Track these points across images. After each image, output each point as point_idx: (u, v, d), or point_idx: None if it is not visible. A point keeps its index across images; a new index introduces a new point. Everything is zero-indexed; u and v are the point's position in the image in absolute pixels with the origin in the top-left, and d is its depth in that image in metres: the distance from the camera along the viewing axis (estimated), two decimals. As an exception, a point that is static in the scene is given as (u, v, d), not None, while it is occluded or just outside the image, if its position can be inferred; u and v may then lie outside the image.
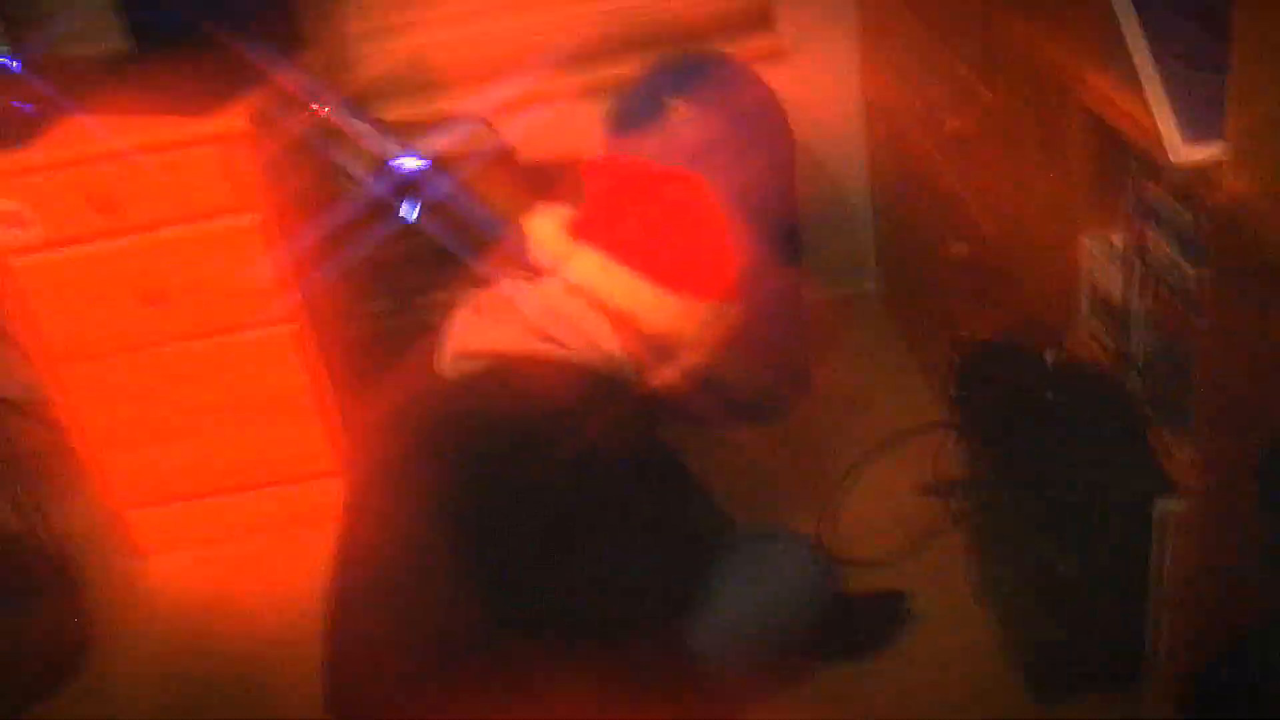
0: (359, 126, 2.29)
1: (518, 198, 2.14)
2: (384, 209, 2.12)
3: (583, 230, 1.44)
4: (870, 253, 2.67)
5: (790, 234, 2.26)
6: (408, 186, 2.17)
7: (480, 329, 1.37)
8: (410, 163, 2.23)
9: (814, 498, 2.08)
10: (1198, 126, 1.09)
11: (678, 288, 1.41)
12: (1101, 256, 1.42)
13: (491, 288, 1.47)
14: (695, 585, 1.43)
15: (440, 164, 2.22)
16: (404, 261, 2.12)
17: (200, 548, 2.14)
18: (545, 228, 1.46)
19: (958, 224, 1.89)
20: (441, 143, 2.28)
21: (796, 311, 2.34)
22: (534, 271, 1.47)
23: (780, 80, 2.17)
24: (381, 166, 2.27)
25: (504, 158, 2.33)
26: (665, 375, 1.46)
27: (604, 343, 1.38)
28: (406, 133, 2.34)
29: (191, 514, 2.14)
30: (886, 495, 2.01)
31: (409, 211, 2.10)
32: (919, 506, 1.89)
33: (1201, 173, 1.10)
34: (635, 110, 2.06)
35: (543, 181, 2.22)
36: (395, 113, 2.38)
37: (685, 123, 2.02)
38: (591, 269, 1.41)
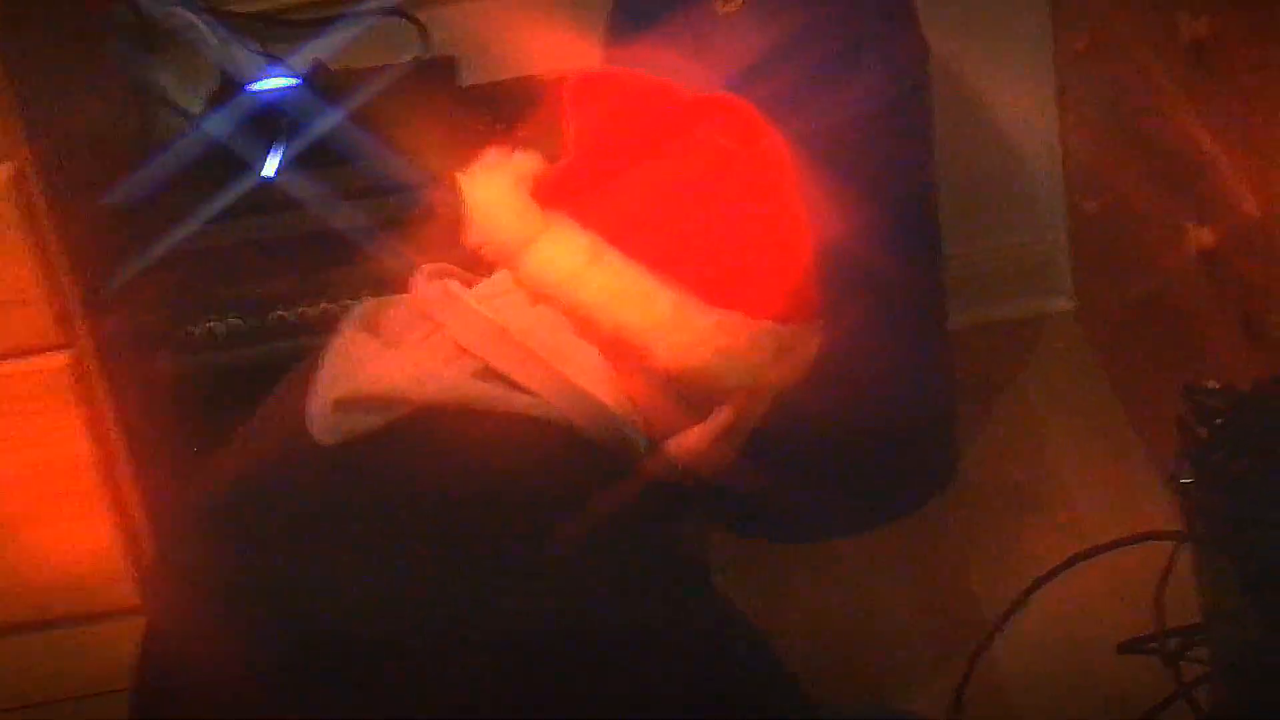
0: (194, 24, 2.32)
1: (456, 142, 2.17)
2: (230, 162, 2.15)
3: (562, 198, 1.44)
4: (1060, 247, 2.68)
5: (923, 217, 2.28)
6: (270, 124, 2.19)
7: (381, 362, 1.37)
8: (276, 84, 2.26)
9: (950, 655, 2.06)
10: None
11: (719, 298, 1.40)
12: None
13: (403, 295, 1.48)
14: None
15: (326, 86, 2.24)
16: (260, 250, 2.13)
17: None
18: (494, 191, 1.46)
19: (1199, 197, 1.89)
20: (330, 51, 2.32)
21: (933, 347, 2.36)
22: (476, 266, 1.48)
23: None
24: (229, 92, 2.30)
25: (435, 75, 2.35)
26: (692, 444, 1.46)
27: (591, 385, 1.38)
28: (274, 34, 2.37)
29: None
30: (1068, 652, 2.00)
31: (270, 165, 2.12)
32: (1122, 672, 1.85)
33: None
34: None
35: (499, 115, 2.25)
36: (259, 1, 2.42)
37: (739, 14, 2.04)
38: (573, 262, 1.41)
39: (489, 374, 1.36)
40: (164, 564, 1.47)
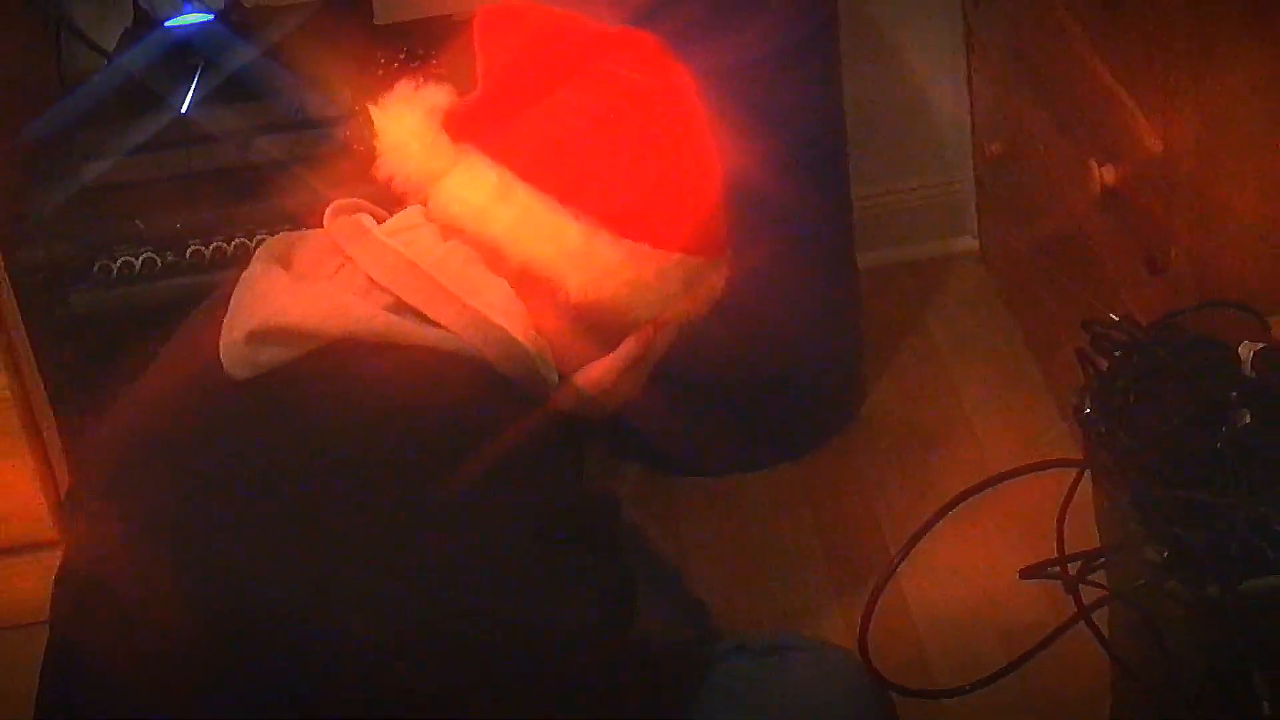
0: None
1: (369, 78, 2.14)
2: (146, 97, 2.12)
3: (471, 130, 1.41)
4: (967, 189, 2.69)
5: (831, 156, 2.27)
6: (185, 60, 2.16)
7: (291, 295, 1.34)
8: (191, 19, 2.22)
9: (855, 584, 2.07)
10: None
11: (628, 229, 1.38)
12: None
13: (314, 229, 1.45)
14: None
15: (240, 22, 2.21)
16: (175, 185, 2.10)
17: None
18: (405, 123, 1.43)
19: (1102, 137, 1.90)
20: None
21: (841, 284, 2.36)
22: (387, 198, 1.45)
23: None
24: (144, 28, 2.25)
25: (349, 12, 2.32)
26: (599, 376, 1.44)
27: (500, 317, 1.36)
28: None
29: None
30: (971, 579, 2.02)
31: (182, 98, 2.08)
32: (1023, 597, 1.87)
33: None
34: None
35: (412, 53, 2.22)
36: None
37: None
38: (482, 195, 1.38)
39: (401, 308, 1.34)
40: (78, 510, 1.44)
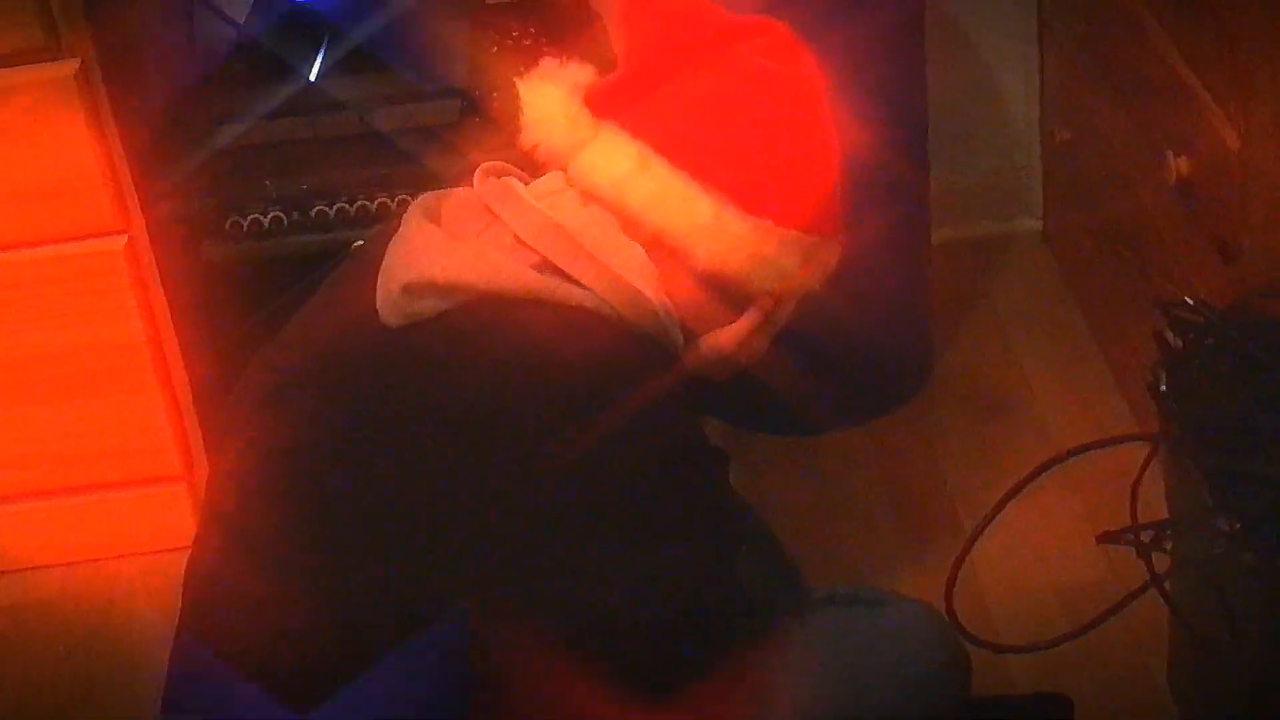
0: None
1: (481, 52, 2.15)
2: (272, 63, 2.13)
3: (612, 106, 1.43)
4: (1033, 172, 2.69)
5: (916, 138, 2.27)
6: (314, 30, 2.17)
7: (445, 251, 1.36)
8: (319, -7, 2.23)
9: (937, 544, 2.08)
10: None
11: (754, 206, 1.40)
12: None
13: (462, 189, 1.47)
14: (748, 670, 1.44)
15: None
16: (303, 148, 2.12)
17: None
18: (550, 97, 1.45)
19: (1178, 128, 1.89)
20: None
21: (916, 258, 2.36)
22: (531, 166, 1.47)
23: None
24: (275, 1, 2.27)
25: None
26: (724, 341, 1.46)
27: (635, 279, 1.38)
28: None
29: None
30: (1048, 543, 2.02)
31: (310, 67, 2.10)
32: (1098, 562, 1.90)
33: None
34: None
35: (522, 29, 2.23)
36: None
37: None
38: (622, 167, 1.40)
39: (546, 267, 1.36)
40: (227, 442, 1.46)
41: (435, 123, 2.09)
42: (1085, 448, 1.61)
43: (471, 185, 1.45)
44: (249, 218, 2.11)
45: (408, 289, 1.34)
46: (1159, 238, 2.04)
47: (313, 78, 2.08)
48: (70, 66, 1.92)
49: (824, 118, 1.45)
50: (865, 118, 1.69)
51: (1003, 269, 2.66)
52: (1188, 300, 1.70)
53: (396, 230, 1.41)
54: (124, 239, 2.01)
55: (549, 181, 1.45)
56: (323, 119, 2.09)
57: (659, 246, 1.40)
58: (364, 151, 2.10)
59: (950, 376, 2.43)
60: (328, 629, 1.32)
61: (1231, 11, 1.71)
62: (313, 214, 2.10)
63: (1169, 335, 1.68)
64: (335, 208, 2.10)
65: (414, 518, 1.32)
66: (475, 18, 2.26)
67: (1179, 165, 1.88)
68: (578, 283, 1.36)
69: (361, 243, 2.02)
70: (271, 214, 2.11)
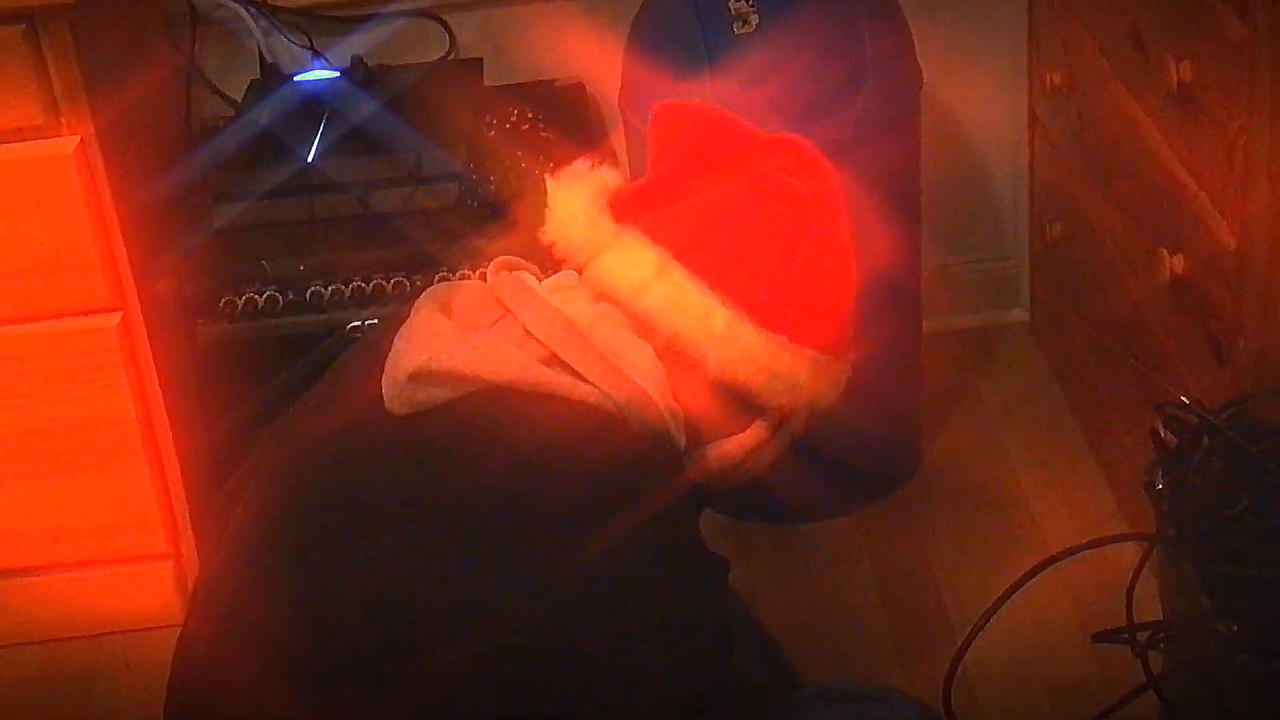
0: (239, 16, 2.29)
1: (479, 131, 2.14)
2: (271, 144, 2.12)
3: (635, 212, 1.43)
4: (1021, 265, 2.70)
5: (910, 230, 2.26)
6: (312, 113, 2.16)
7: (454, 341, 1.36)
8: (318, 75, 2.22)
9: (927, 638, 2.06)
10: None
11: (770, 321, 1.40)
12: None
13: (471, 280, 1.47)
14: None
15: (364, 79, 2.21)
16: (299, 229, 2.11)
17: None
18: (576, 198, 1.45)
19: (1173, 226, 1.89)
20: (366, 48, 2.28)
21: (908, 349, 2.35)
22: (543, 259, 1.47)
23: None
24: (273, 81, 2.26)
25: (464, 74, 2.32)
26: (730, 451, 1.45)
27: (642, 380, 1.37)
28: (316, 27, 2.34)
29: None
30: (1040, 640, 2.00)
31: (309, 148, 2.09)
32: (1091, 660, 1.89)
33: None
34: (680, 18, 2.05)
35: (521, 115, 2.22)
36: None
37: (754, 36, 2.02)
38: (641, 272, 1.40)
39: (555, 362, 1.36)
40: (226, 523, 1.43)
41: (433, 205, 2.08)
42: (1082, 547, 1.60)
43: (483, 278, 1.45)
44: (244, 297, 2.09)
45: (414, 376, 1.33)
46: (1150, 335, 2.03)
47: (310, 159, 2.06)
48: (69, 144, 1.92)
49: (843, 238, 1.46)
50: (860, 207, 1.69)
51: (991, 360, 2.65)
52: (1183, 399, 1.69)
53: (403, 319, 1.40)
54: (118, 316, 2.00)
55: (562, 279, 1.45)
56: (320, 200, 2.07)
57: (671, 351, 1.39)
58: (361, 233, 2.09)
59: (938, 467, 2.42)
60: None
61: (1228, 111, 1.71)
62: (308, 295, 2.09)
63: (1164, 434, 1.67)
64: (331, 289, 2.09)
65: (418, 609, 1.30)
66: (474, 101, 2.26)
67: (1173, 263, 1.87)
68: (585, 379, 1.35)
69: (359, 324, 2.02)
70: (267, 294, 2.09)
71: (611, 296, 1.40)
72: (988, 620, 1.57)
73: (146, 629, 2.15)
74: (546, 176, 1.47)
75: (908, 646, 2.07)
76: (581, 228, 1.42)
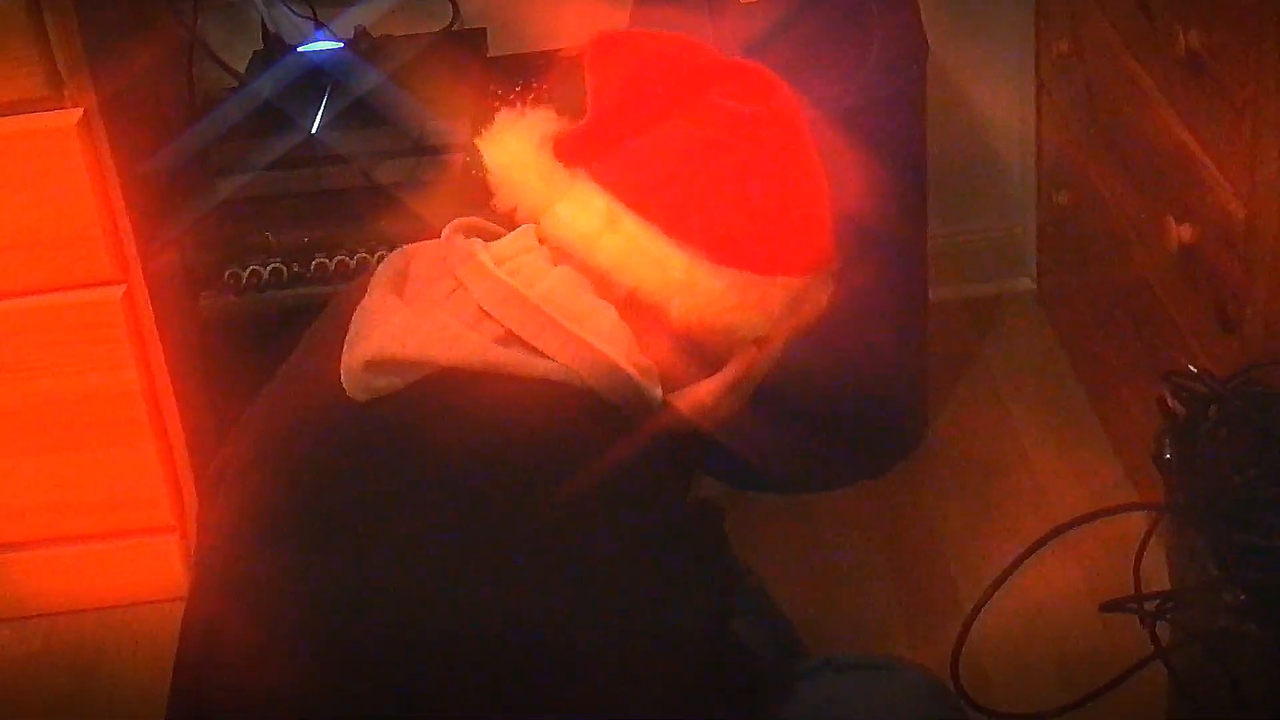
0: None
1: (483, 102, 2.12)
2: (274, 115, 2.11)
3: (582, 155, 1.38)
4: (1028, 233, 2.69)
5: (915, 198, 2.25)
6: (315, 84, 2.15)
7: (407, 326, 1.32)
8: (321, 46, 2.21)
9: (934, 607, 2.06)
10: None
11: (730, 258, 1.35)
12: None
13: (430, 246, 1.43)
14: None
15: (367, 50, 2.20)
16: (302, 201, 2.10)
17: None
18: (520, 155, 1.40)
19: (1181, 195, 1.88)
20: (370, 18, 2.27)
21: (913, 317, 2.34)
22: (500, 223, 1.43)
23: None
24: (277, 52, 2.25)
25: (467, 45, 2.31)
26: (702, 397, 1.42)
27: (606, 344, 1.33)
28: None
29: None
30: (1047, 610, 2.00)
31: (312, 120, 2.08)
32: (1097, 630, 1.88)
33: None
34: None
35: (525, 85, 2.21)
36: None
37: (758, 4, 2.00)
38: (591, 224, 1.35)
39: (510, 339, 1.31)
40: (213, 498, 1.42)
41: (437, 177, 2.06)
42: (1090, 517, 1.58)
43: (440, 239, 1.40)
44: (248, 270, 2.08)
45: (369, 365, 1.30)
46: (1158, 304, 2.02)
47: (314, 130, 2.05)
48: (73, 116, 1.92)
49: (804, 155, 1.39)
50: (866, 175, 1.67)
51: (997, 329, 2.65)
52: (1191, 368, 1.68)
53: (362, 293, 1.37)
54: (122, 289, 2.00)
55: (520, 238, 1.39)
56: (324, 172, 2.06)
57: (633, 304, 1.33)
58: (365, 205, 2.08)
59: (945, 437, 2.41)
60: (328, 690, 1.29)
61: (1237, 80, 1.70)
62: (312, 267, 2.08)
63: (1171, 403, 1.66)
64: (335, 260, 2.08)
65: (411, 575, 1.27)
66: (478, 72, 2.24)
67: (1180, 232, 1.86)
68: (543, 354, 1.31)
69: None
70: (271, 266, 2.08)
71: (568, 254, 1.35)
72: (995, 590, 1.56)
73: (152, 602, 2.15)
74: (475, 139, 1.40)
75: (915, 616, 2.07)
76: (532, 183, 1.36)
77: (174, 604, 1.88)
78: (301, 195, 2.08)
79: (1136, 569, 1.60)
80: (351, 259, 2.08)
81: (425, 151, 2.07)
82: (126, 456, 2.08)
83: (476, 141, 1.40)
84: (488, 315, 1.31)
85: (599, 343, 1.31)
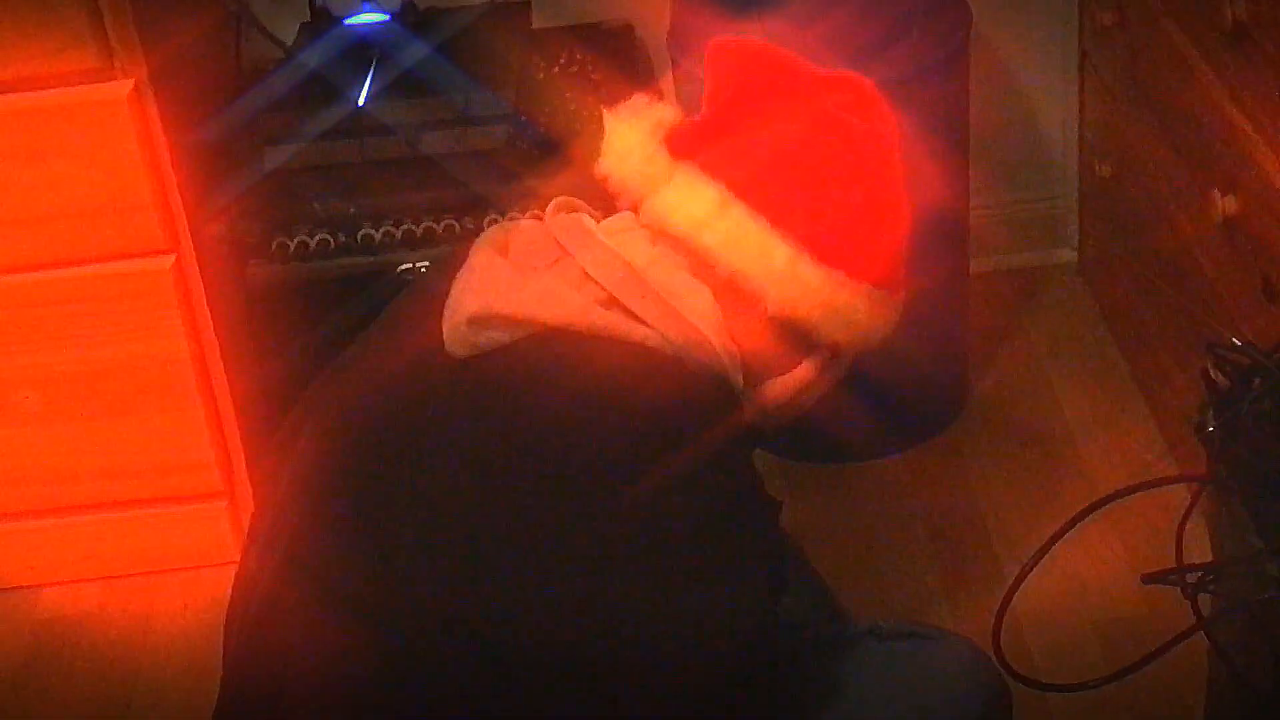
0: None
1: (527, 75, 2.13)
2: (322, 87, 2.12)
3: (692, 148, 1.42)
4: (1070, 204, 2.67)
5: (959, 168, 2.24)
6: (363, 55, 2.15)
7: (512, 285, 1.35)
8: (368, 18, 2.22)
9: (975, 577, 2.06)
10: None
11: (829, 256, 1.39)
12: None
13: (528, 222, 1.46)
14: (789, 703, 1.42)
15: (414, 22, 2.20)
16: (350, 172, 2.11)
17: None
18: (633, 132, 1.44)
19: (1225, 167, 1.87)
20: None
21: (955, 287, 2.33)
22: (607, 201, 1.46)
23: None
24: (324, 24, 2.25)
25: (512, 17, 2.31)
26: (781, 390, 1.45)
27: (700, 322, 1.36)
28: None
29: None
30: (1089, 581, 2.00)
31: (359, 91, 2.09)
32: (1139, 601, 1.88)
33: None
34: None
35: (570, 57, 2.21)
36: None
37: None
38: (701, 208, 1.38)
39: (612, 304, 1.35)
40: (278, 463, 1.44)
41: (483, 147, 2.07)
42: (1133, 489, 1.57)
43: (540, 218, 1.44)
44: (295, 239, 2.09)
45: (473, 320, 1.33)
46: (1201, 275, 2.01)
47: (361, 102, 2.05)
48: (124, 87, 1.93)
49: (899, 175, 1.44)
50: (910, 147, 1.67)
51: (1038, 300, 2.64)
52: (1234, 340, 1.67)
53: (459, 262, 1.39)
54: (172, 259, 2.02)
55: (618, 220, 1.43)
56: (371, 142, 2.07)
57: (729, 290, 1.38)
58: (411, 175, 2.08)
59: (986, 407, 2.41)
60: (381, 656, 1.30)
61: (1282, 51, 1.69)
62: (359, 237, 2.09)
63: (1214, 375, 1.65)
64: (381, 231, 2.09)
65: (479, 546, 1.30)
66: (523, 43, 2.25)
67: (1225, 204, 1.85)
68: (643, 321, 1.34)
69: (409, 266, 2.02)
70: (318, 236, 2.09)
71: (669, 236, 1.39)
72: (1037, 563, 1.56)
73: (202, 567, 2.17)
74: (603, 110, 1.45)
75: (956, 586, 2.07)
76: (637, 162, 1.41)
77: (223, 569, 1.91)
78: (348, 166, 2.09)
79: (1179, 541, 1.59)
80: (398, 229, 2.09)
81: (471, 122, 2.07)
82: (176, 423, 2.09)
83: (603, 111, 1.46)
84: (591, 280, 1.35)
85: (694, 319, 1.35)
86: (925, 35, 2.05)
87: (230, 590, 1.45)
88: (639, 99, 1.45)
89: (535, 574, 1.28)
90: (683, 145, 1.41)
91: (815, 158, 1.40)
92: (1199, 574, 1.55)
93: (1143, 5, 2.17)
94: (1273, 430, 1.56)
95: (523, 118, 2.07)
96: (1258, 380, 1.61)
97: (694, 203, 1.37)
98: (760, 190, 1.38)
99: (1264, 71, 1.75)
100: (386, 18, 2.19)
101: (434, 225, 2.07)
